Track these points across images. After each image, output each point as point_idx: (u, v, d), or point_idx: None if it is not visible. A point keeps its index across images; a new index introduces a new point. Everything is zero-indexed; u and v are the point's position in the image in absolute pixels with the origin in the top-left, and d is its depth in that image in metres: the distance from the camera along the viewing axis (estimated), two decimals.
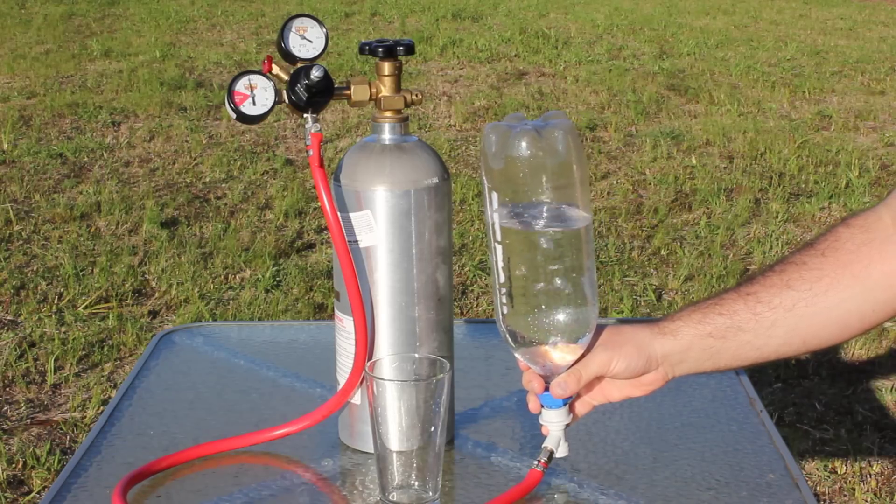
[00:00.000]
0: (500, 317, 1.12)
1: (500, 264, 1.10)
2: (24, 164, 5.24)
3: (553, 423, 1.14)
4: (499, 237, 1.09)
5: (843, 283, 1.09)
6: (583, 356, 1.11)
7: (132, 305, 3.70)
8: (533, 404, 1.14)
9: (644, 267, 4.09)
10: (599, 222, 4.50)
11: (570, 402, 1.14)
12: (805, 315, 1.09)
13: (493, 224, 1.09)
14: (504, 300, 1.11)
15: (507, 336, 1.12)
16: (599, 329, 1.12)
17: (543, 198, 1.07)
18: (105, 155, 5.43)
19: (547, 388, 1.12)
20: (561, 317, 1.09)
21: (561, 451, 1.15)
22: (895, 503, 2.66)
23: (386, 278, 1.21)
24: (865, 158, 5.47)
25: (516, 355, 1.13)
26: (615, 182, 5.08)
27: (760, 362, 1.13)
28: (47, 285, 3.83)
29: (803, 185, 5.07)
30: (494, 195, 1.08)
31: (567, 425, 1.14)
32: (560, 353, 1.11)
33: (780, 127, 6.12)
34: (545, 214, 1.08)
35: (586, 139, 5.77)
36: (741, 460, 1.26)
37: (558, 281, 1.09)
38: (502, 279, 1.10)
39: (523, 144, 1.05)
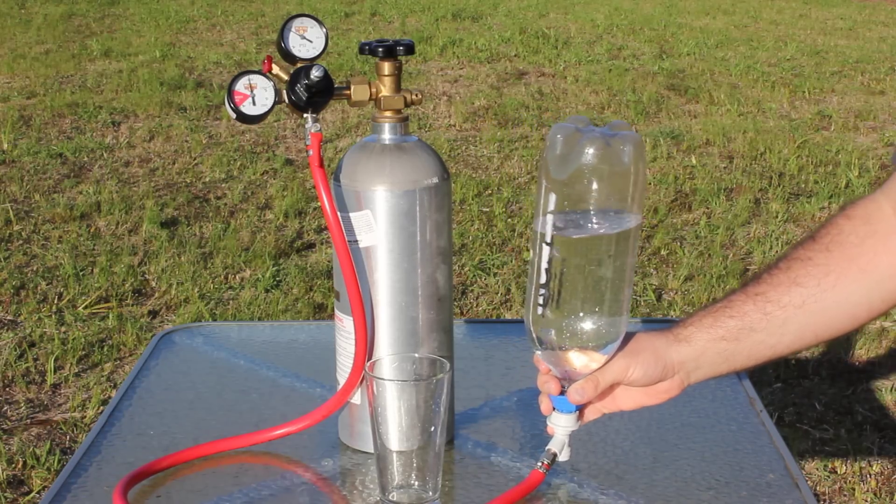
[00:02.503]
0: (531, 317, 1.10)
1: (544, 265, 1.08)
2: (24, 164, 5.24)
3: (561, 426, 1.13)
4: (548, 239, 1.07)
5: (851, 276, 1.09)
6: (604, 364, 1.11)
7: (132, 305, 3.70)
8: (545, 405, 1.14)
9: (644, 267, 4.09)
10: None
11: (580, 408, 1.14)
12: (815, 311, 1.09)
13: (544, 224, 1.07)
14: (540, 301, 1.09)
15: (535, 337, 1.11)
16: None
17: (601, 207, 1.06)
18: (105, 155, 5.43)
19: (562, 392, 1.12)
20: (594, 325, 1.08)
21: (563, 456, 1.15)
22: (895, 503, 2.66)
23: (386, 278, 1.21)
24: (865, 158, 5.47)
25: (538, 354, 1.12)
26: None
27: (775, 359, 1.13)
28: (47, 285, 3.83)
29: (803, 185, 5.07)
30: (552, 196, 1.06)
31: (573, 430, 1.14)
32: (584, 361, 1.10)
33: (780, 127, 6.12)
34: (599, 223, 1.06)
35: None
36: (741, 460, 1.26)
37: (600, 289, 1.08)
38: (543, 280, 1.09)
39: (593, 153, 1.04)
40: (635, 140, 1.05)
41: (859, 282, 1.09)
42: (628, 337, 1.13)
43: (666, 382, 1.12)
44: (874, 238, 1.09)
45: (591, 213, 1.06)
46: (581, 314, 1.08)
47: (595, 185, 1.05)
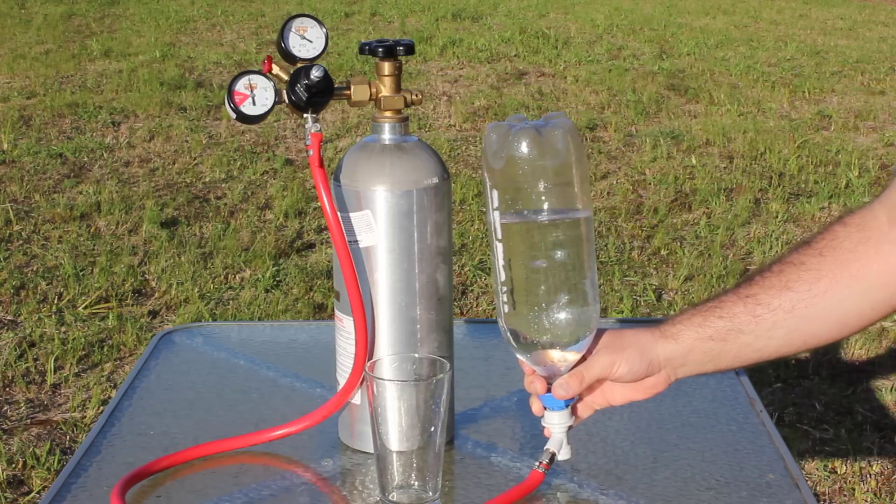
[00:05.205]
0: (502, 316, 1.12)
1: (501, 263, 1.10)
2: (24, 164, 5.24)
3: (555, 424, 1.14)
4: (499, 235, 1.09)
5: (842, 282, 1.09)
6: (584, 358, 1.12)
7: (132, 305, 3.70)
8: (536, 407, 1.14)
9: (644, 267, 4.09)
10: (599, 222, 4.50)
11: (572, 405, 1.14)
12: (805, 316, 1.10)
13: (493, 222, 1.09)
14: (505, 299, 1.11)
15: (509, 336, 1.12)
16: (601, 332, 1.12)
17: (544, 197, 1.07)
18: (105, 155, 5.43)
19: (549, 390, 1.12)
20: (562, 316, 1.09)
21: (563, 454, 1.15)
22: (895, 503, 2.66)
23: (386, 278, 1.21)
24: (865, 158, 5.47)
25: (518, 356, 1.13)
26: (615, 182, 5.08)
27: (762, 362, 1.14)
28: (47, 285, 3.83)
29: (803, 185, 5.07)
30: (495, 193, 1.09)
31: (569, 427, 1.14)
32: (561, 354, 1.11)
33: (780, 127, 6.12)
34: (546, 213, 1.08)
35: (586, 139, 5.77)
36: (741, 460, 1.26)
37: (559, 280, 1.09)
38: (503, 278, 1.10)
39: (523, 143, 1.06)
40: (567, 126, 1.07)
41: (850, 288, 1.09)
42: (613, 333, 1.13)
43: (652, 378, 1.13)
44: (867, 245, 1.09)
45: (535, 203, 1.08)
46: (545, 307, 1.09)
47: (534, 176, 1.07)
